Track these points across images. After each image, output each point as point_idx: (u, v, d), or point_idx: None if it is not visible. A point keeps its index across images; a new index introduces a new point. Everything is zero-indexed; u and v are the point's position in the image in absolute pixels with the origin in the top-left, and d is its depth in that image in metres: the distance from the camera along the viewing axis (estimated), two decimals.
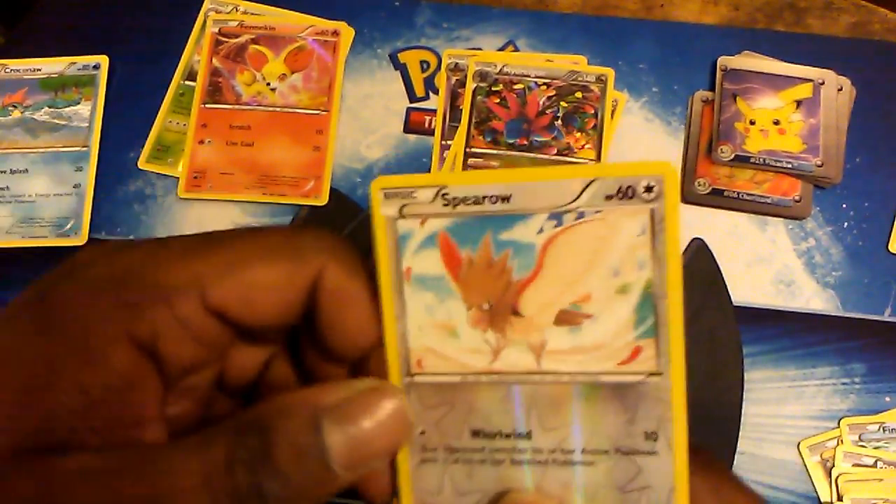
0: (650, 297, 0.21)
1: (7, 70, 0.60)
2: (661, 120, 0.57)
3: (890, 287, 0.52)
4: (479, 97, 0.57)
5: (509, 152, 0.56)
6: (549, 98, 0.56)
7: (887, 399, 0.50)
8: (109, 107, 0.59)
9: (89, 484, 0.18)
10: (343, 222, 0.54)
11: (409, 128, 0.57)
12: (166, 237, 0.22)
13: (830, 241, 0.54)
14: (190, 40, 0.60)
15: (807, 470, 0.49)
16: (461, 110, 0.57)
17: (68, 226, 0.56)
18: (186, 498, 0.18)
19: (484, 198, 0.21)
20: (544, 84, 0.57)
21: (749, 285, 0.53)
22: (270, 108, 0.58)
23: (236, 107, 0.58)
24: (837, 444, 0.49)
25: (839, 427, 0.50)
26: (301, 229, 0.23)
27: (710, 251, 0.53)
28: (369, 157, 0.57)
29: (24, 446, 0.19)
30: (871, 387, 0.50)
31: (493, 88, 0.57)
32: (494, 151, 0.56)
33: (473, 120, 0.56)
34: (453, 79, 0.58)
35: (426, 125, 0.57)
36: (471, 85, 0.57)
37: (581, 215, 0.21)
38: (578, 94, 0.56)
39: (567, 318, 0.21)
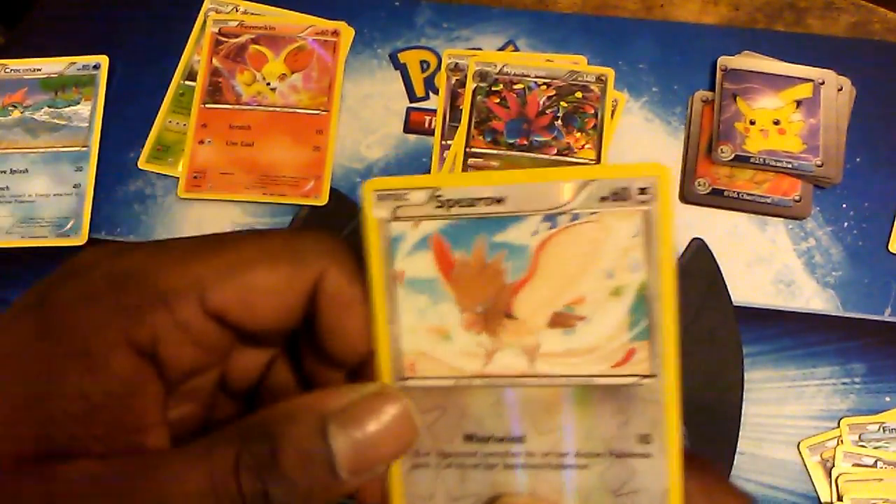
0: (644, 299, 0.20)
1: (7, 70, 0.60)
2: (661, 120, 0.57)
3: (890, 287, 0.52)
4: (479, 97, 0.57)
5: (509, 152, 0.56)
6: (549, 98, 0.56)
7: (887, 399, 0.50)
8: (109, 107, 0.59)
9: (94, 491, 0.18)
10: (343, 222, 0.54)
11: (409, 128, 0.57)
12: (166, 240, 0.21)
13: (830, 241, 0.54)
14: (190, 40, 0.60)
15: (807, 470, 0.49)
16: (461, 110, 0.57)
17: (68, 226, 0.56)
18: None
19: (477, 200, 0.21)
20: (544, 84, 0.57)
21: (749, 285, 0.53)
22: (270, 108, 0.58)
23: (236, 107, 0.58)
24: (837, 444, 0.49)
25: (839, 427, 0.50)
26: (301, 232, 0.23)
27: (710, 251, 0.53)
28: (369, 157, 0.57)
29: (27, 453, 0.19)
30: (871, 387, 0.50)
31: (493, 88, 0.57)
32: (494, 151, 0.56)
33: (473, 120, 0.56)
34: (453, 79, 0.58)
35: (426, 125, 0.57)
36: (471, 85, 0.57)
37: (575, 217, 0.20)
38: (578, 94, 0.56)
39: (561, 321, 0.21)
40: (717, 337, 0.51)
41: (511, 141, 0.56)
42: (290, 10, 0.60)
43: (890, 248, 0.53)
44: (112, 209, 0.57)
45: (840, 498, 0.48)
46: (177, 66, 0.59)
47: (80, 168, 0.57)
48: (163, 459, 0.19)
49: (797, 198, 0.54)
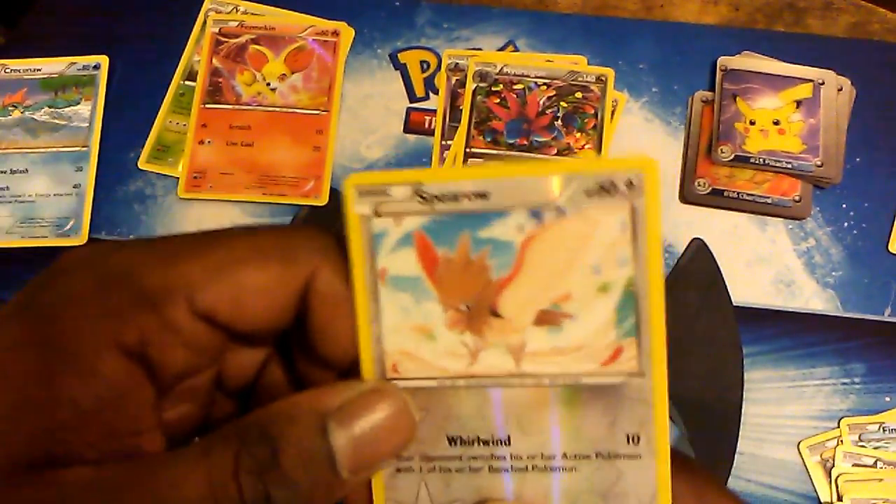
0: (631, 296, 0.20)
1: (7, 70, 0.60)
2: (661, 120, 0.57)
3: (890, 287, 0.52)
4: (479, 97, 0.57)
5: (509, 152, 0.56)
6: (549, 98, 0.57)
7: (887, 399, 0.50)
8: (109, 107, 0.59)
9: (88, 499, 0.18)
10: (343, 222, 0.54)
11: (409, 128, 0.57)
12: (154, 238, 0.21)
13: (830, 241, 0.54)
14: (190, 40, 0.60)
15: (807, 470, 0.49)
16: (461, 110, 0.57)
17: (68, 226, 0.56)
18: None
19: (461, 195, 0.20)
20: (544, 84, 0.57)
21: (749, 285, 0.53)
22: (270, 108, 0.58)
23: (236, 107, 0.58)
24: (837, 444, 0.49)
25: (839, 427, 0.50)
26: (293, 229, 0.22)
27: (709, 251, 0.53)
28: (369, 157, 0.57)
29: (19, 462, 0.18)
30: (871, 387, 0.50)
31: (493, 88, 0.57)
32: (494, 151, 0.56)
33: (473, 120, 0.56)
34: (453, 79, 0.58)
35: (426, 125, 0.57)
36: (471, 85, 0.57)
37: (561, 212, 0.20)
38: (578, 95, 0.56)
39: (547, 319, 0.20)
40: (717, 337, 0.51)
41: (511, 141, 0.56)
42: (290, 10, 0.60)
43: (890, 248, 0.53)
44: (112, 209, 0.57)
45: (840, 498, 0.48)
46: (177, 66, 0.59)
47: (80, 168, 0.57)
48: (159, 464, 0.19)
49: (797, 198, 0.54)
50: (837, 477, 0.49)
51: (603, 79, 0.57)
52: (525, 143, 0.56)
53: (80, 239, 0.56)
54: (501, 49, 0.59)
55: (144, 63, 0.59)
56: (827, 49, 0.57)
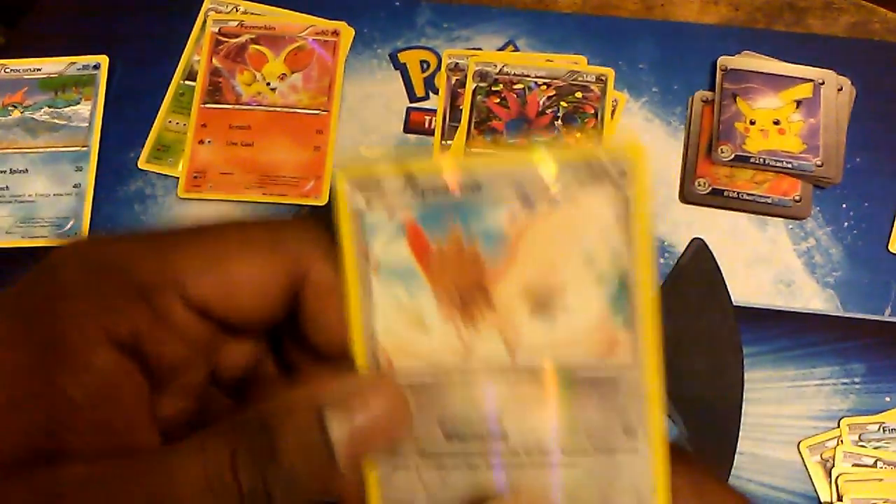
0: (625, 287, 0.20)
1: (7, 70, 0.60)
2: (661, 120, 0.57)
3: (890, 287, 0.52)
4: (479, 97, 0.57)
5: None
6: (549, 98, 0.56)
7: (887, 399, 0.50)
8: (109, 107, 0.59)
9: (83, 495, 0.18)
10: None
11: (409, 128, 0.57)
12: (144, 230, 0.21)
13: (830, 241, 0.54)
14: (190, 40, 0.60)
15: (807, 470, 0.49)
16: (461, 110, 0.57)
17: (68, 226, 0.56)
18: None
19: (453, 185, 0.20)
20: (544, 84, 0.57)
21: (749, 285, 0.53)
22: (270, 108, 0.58)
23: (236, 107, 0.58)
24: (837, 444, 0.49)
25: (839, 427, 0.50)
26: (284, 222, 0.22)
27: (710, 251, 0.53)
28: (369, 157, 0.57)
29: (13, 458, 0.18)
30: (871, 387, 0.50)
31: (493, 88, 0.57)
32: (495, 151, 0.56)
33: (473, 120, 0.56)
34: (453, 79, 0.58)
35: (426, 125, 0.57)
36: (471, 85, 0.57)
37: (553, 201, 0.20)
38: (578, 94, 0.56)
39: (542, 309, 0.20)
40: (717, 337, 0.51)
41: (511, 141, 0.56)
42: (290, 10, 0.60)
43: (890, 248, 0.53)
44: (112, 209, 0.57)
45: (840, 498, 0.48)
46: (177, 66, 0.59)
47: (80, 168, 0.57)
48: (155, 458, 0.19)
49: (797, 198, 0.54)
50: (837, 477, 0.48)
51: (603, 79, 0.57)
52: (525, 143, 0.56)
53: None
54: (501, 49, 0.59)
55: (144, 63, 0.59)
56: (827, 49, 0.57)
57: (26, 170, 0.58)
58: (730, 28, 0.59)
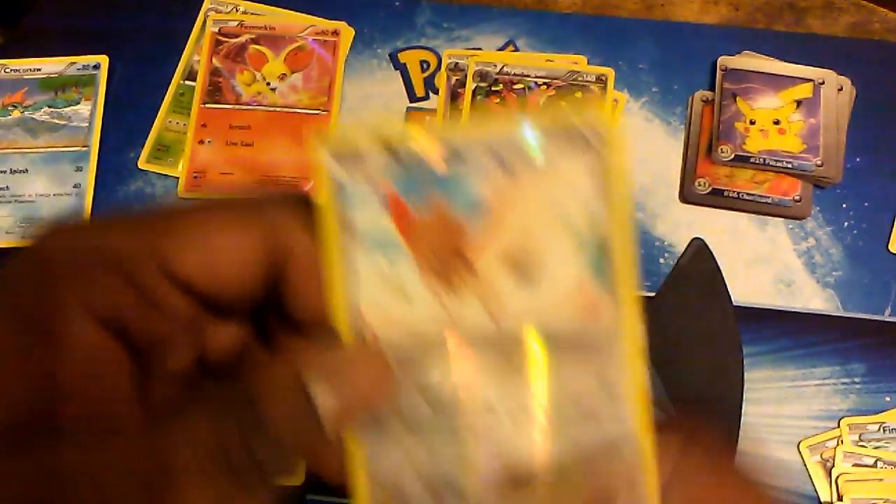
0: (604, 249, 0.20)
1: (7, 70, 0.60)
2: (661, 120, 0.57)
3: (890, 287, 0.52)
4: (479, 97, 0.57)
5: None
6: (549, 98, 0.56)
7: (887, 399, 0.50)
8: (109, 107, 0.59)
9: (69, 474, 0.18)
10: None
11: None
12: (126, 211, 0.21)
13: (830, 241, 0.54)
14: (190, 40, 0.60)
15: (807, 470, 0.49)
16: (461, 110, 0.57)
17: None
18: (182, 480, 0.18)
19: (430, 148, 0.20)
20: (544, 84, 0.57)
21: (749, 285, 0.53)
22: (270, 108, 0.58)
23: (236, 107, 0.58)
24: (837, 444, 0.49)
25: (839, 427, 0.50)
26: (265, 196, 0.22)
27: (710, 251, 0.53)
28: None
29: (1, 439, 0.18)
30: (871, 387, 0.50)
31: (493, 88, 0.57)
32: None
33: None
34: (453, 79, 0.58)
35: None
36: (471, 85, 0.57)
37: (533, 168, 0.20)
38: (578, 94, 0.56)
39: (523, 276, 0.20)
40: (717, 337, 0.51)
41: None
42: (290, 10, 0.60)
43: (890, 248, 0.53)
44: (112, 209, 0.57)
45: (840, 498, 0.48)
46: (177, 66, 0.59)
47: (80, 168, 0.57)
48: (141, 435, 0.18)
49: (797, 198, 0.54)
50: (837, 477, 0.48)
51: (603, 79, 0.57)
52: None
53: None
54: (501, 49, 0.59)
55: (144, 63, 0.59)
56: (827, 49, 0.57)
57: (26, 170, 0.58)
58: (730, 28, 0.59)
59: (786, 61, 0.56)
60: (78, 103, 0.59)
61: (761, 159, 0.54)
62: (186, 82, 0.59)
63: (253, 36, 0.59)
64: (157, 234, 0.20)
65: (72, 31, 0.61)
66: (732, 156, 0.54)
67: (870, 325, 0.52)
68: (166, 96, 0.58)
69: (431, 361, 0.21)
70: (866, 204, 0.54)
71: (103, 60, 0.60)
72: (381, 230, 0.20)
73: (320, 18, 0.59)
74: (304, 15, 0.60)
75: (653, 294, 0.52)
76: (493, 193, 0.20)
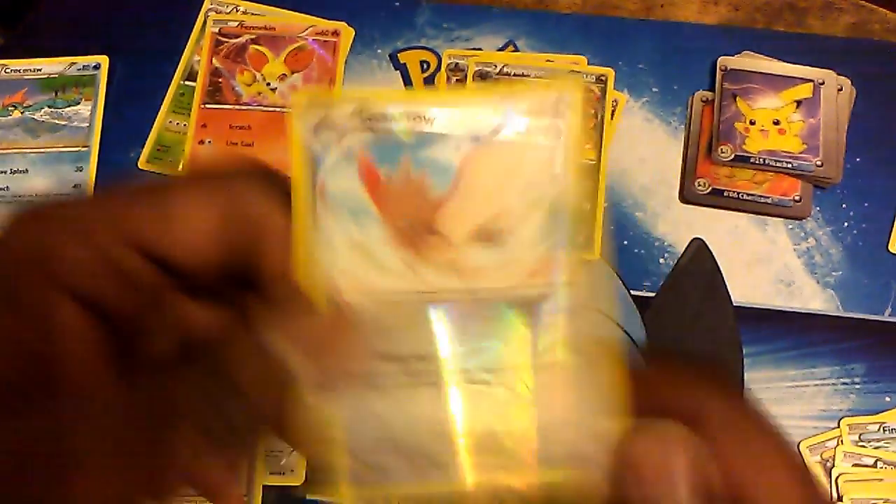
0: (561, 211, 0.21)
1: (7, 70, 0.60)
2: (661, 120, 0.57)
3: (890, 287, 0.52)
4: None
5: None
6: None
7: (887, 399, 0.50)
8: (109, 107, 0.59)
9: (37, 445, 0.18)
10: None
11: None
12: (96, 190, 0.21)
13: (830, 241, 0.54)
14: (190, 40, 0.60)
15: None
16: None
17: None
18: (152, 438, 0.18)
19: (403, 116, 0.21)
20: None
21: (749, 285, 0.53)
22: (271, 109, 0.58)
23: (236, 107, 0.58)
24: (837, 444, 0.49)
25: (839, 427, 0.50)
26: (226, 166, 0.22)
27: (710, 251, 0.53)
28: None
29: None
30: (871, 387, 0.50)
31: None
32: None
33: None
34: (453, 79, 0.58)
35: None
36: (471, 85, 0.57)
37: (498, 133, 0.21)
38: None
39: (485, 235, 0.21)
40: (717, 337, 0.51)
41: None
42: (290, 10, 0.60)
43: (890, 248, 0.53)
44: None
45: (840, 498, 0.48)
46: (177, 66, 0.59)
47: (80, 168, 0.57)
48: (112, 400, 0.19)
49: (797, 198, 0.54)
50: (837, 477, 0.49)
51: (603, 79, 0.57)
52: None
53: None
54: (501, 49, 0.59)
55: (144, 63, 0.59)
56: (827, 49, 0.57)
57: (26, 170, 0.58)
58: (730, 28, 0.59)
59: (786, 61, 0.56)
60: (78, 103, 0.59)
61: (761, 159, 0.54)
62: (186, 82, 0.59)
63: (253, 36, 0.59)
64: (123, 208, 0.20)
65: (72, 32, 0.61)
66: (732, 156, 0.54)
67: (870, 325, 0.52)
68: (166, 96, 0.58)
69: (404, 328, 0.21)
70: (866, 204, 0.54)
71: (103, 60, 0.60)
72: (353, 197, 0.21)
73: (320, 19, 0.59)
74: (304, 15, 0.60)
75: (653, 294, 0.52)
76: (459, 156, 0.21)
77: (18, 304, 0.19)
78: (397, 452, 0.21)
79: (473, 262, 0.21)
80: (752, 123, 0.55)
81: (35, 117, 0.59)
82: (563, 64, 0.57)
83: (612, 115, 0.56)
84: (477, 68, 0.57)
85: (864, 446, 0.49)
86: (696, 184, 0.55)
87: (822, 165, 0.53)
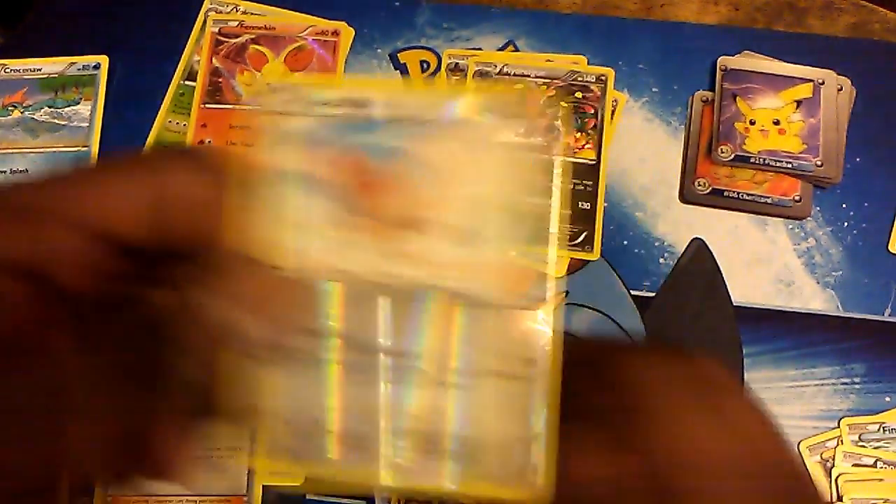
0: (532, 217, 0.21)
1: (7, 70, 0.60)
2: (661, 120, 0.57)
3: (890, 287, 0.52)
4: None
5: None
6: (548, 98, 0.56)
7: (887, 399, 0.50)
8: (109, 107, 0.59)
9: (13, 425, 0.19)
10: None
11: None
12: (43, 174, 0.22)
13: (830, 241, 0.54)
14: (190, 40, 0.60)
15: (807, 470, 0.49)
16: None
17: None
18: (88, 390, 0.19)
19: (354, 103, 0.21)
20: (544, 84, 0.57)
21: (749, 285, 0.53)
22: None
23: (236, 107, 0.58)
24: (837, 444, 0.49)
25: (839, 427, 0.50)
26: (161, 150, 0.24)
27: (710, 251, 0.53)
28: None
29: None
30: (871, 387, 0.50)
31: None
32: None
33: None
34: (453, 79, 0.58)
35: None
36: (471, 84, 0.57)
37: (452, 123, 0.21)
38: (578, 94, 0.56)
39: (418, 225, 0.21)
40: (718, 337, 0.51)
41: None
42: (290, 10, 0.60)
43: (890, 248, 0.53)
44: None
45: (840, 498, 0.48)
46: (177, 66, 0.59)
47: None
48: (73, 376, 0.20)
49: (797, 198, 0.54)
50: (837, 477, 0.49)
51: (603, 79, 0.57)
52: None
53: None
54: (501, 49, 0.59)
55: (144, 63, 0.59)
56: (827, 49, 0.57)
57: (26, 170, 0.58)
58: (730, 28, 0.59)
59: (786, 61, 0.56)
60: (78, 103, 0.59)
61: (761, 159, 0.54)
62: (186, 82, 0.59)
63: (253, 36, 0.59)
64: (62, 187, 0.21)
65: (72, 31, 0.61)
66: (732, 156, 0.54)
67: (870, 325, 0.52)
68: (166, 96, 0.58)
69: (344, 301, 0.21)
70: (866, 204, 0.54)
71: (103, 60, 0.60)
72: (297, 167, 0.21)
73: (320, 18, 0.59)
74: (304, 15, 0.60)
75: (653, 294, 0.52)
76: (411, 144, 0.21)
77: None
78: (322, 430, 0.21)
79: (413, 249, 0.21)
80: (752, 123, 0.55)
81: (35, 117, 0.59)
82: (563, 64, 0.57)
83: (612, 115, 0.56)
84: (477, 68, 0.57)
85: (864, 446, 0.49)
86: (696, 184, 0.55)
87: (822, 165, 0.53)
